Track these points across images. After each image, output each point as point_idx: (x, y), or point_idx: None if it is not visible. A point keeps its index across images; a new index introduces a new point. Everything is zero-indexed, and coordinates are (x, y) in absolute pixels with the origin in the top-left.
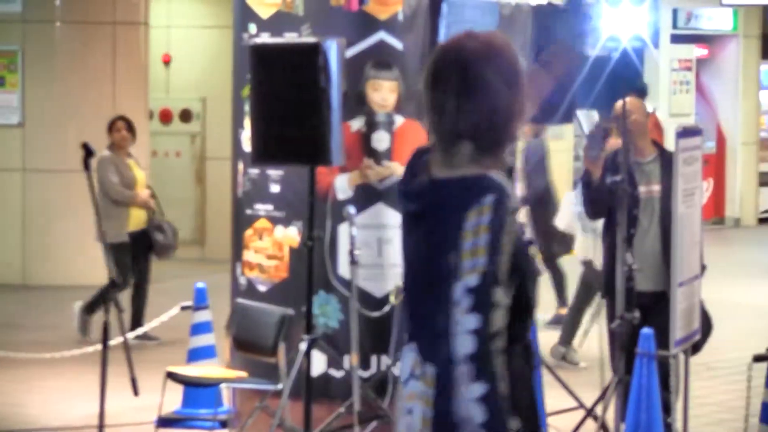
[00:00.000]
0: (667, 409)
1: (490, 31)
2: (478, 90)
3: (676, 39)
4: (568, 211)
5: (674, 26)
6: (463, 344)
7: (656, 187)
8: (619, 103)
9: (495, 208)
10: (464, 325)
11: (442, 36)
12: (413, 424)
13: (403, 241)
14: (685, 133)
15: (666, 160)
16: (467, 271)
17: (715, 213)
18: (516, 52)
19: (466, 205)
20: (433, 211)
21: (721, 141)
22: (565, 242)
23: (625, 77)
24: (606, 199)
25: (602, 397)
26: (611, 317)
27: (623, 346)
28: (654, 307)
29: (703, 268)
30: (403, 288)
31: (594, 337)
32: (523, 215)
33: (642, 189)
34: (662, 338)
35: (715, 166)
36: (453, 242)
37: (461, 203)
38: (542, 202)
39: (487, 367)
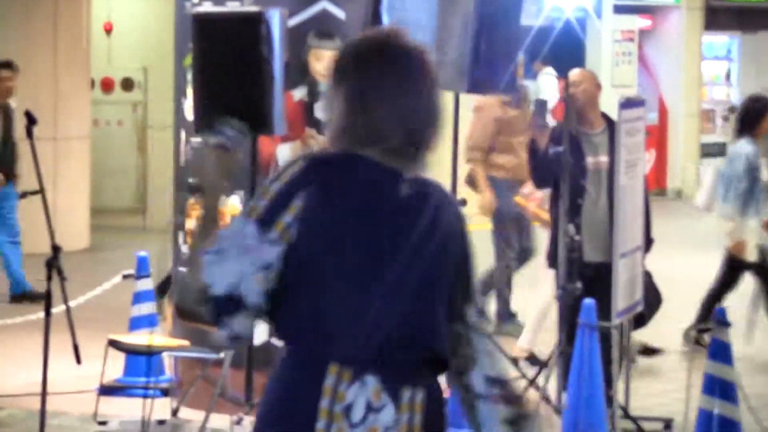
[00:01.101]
0: (608, 380)
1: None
2: (428, 87)
3: (619, 10)
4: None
5: None
6: (486, 370)
7: (604, 159)
8: (570, 73)
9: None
10: (483, 347)
11: (385, 6)
12: None
13: (339, 249)
14: (628, 104)
15: (614, 132)
16: (475, 293)
17: (657, 185)
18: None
19: (463, 219)
20: (428, 213)
21: (663, 112)
22: None
23: (567, 48)
24: (551, 168)
25: (543, 368)
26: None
27: (565, 317)
28: (602, 278)
29: (652, 241)
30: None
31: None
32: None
33: (590, 160)
34: (609, 309)
35: (657, 137)
36: (460, 250)
37: (458, 216)
38: None
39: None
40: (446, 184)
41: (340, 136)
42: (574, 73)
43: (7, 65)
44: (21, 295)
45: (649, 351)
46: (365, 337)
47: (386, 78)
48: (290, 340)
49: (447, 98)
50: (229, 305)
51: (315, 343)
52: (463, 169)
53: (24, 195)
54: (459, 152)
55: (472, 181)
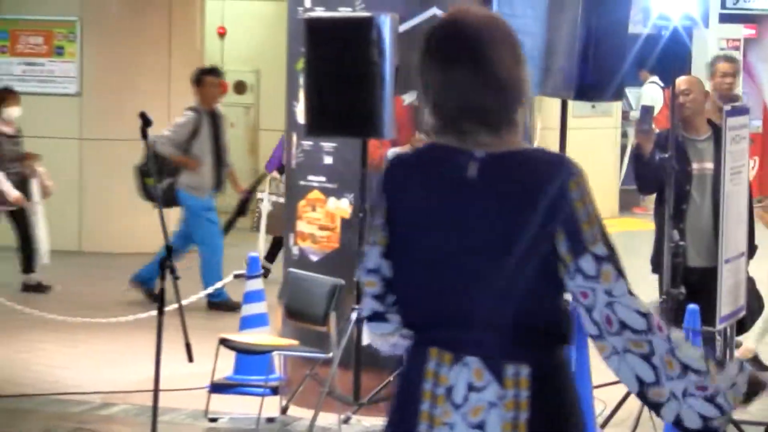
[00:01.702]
0: None
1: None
2: (494, 63)
3: (724, 18)
4: None
5: (722, 6)
6: (634, 305)
7: (709, 165)
8: (678, 80)
9: (584, 178)
10: (621, 289)
11: (494, 12)
12: None
13: (423, 230)
14: (733, 111)
15: (719, 139)
16: (590, 242)
17: (760, 191)
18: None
19: (560, 176)
20: (501, 190)
21: (767, 120)
22: None
23: (673, 56)
24: (656, 174)
25: None
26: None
27: (668, 322)
28: (705, 283)
29: (755, 248)
30: (428, 293)
31: None
32: None
33: (695, 166)
34: (712, 314)
35: (761, 144)
36: (557, 215)
37: (552, 174)
38: None
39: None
40: None
41: (429, 128)
42: (683, 81)
43: (213, 71)
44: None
45: (761, 365)
46: (456, 321)
47: (435, 58)
48: (408, 329)
49: (554, 104)
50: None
51: (418, 329)
52: None
53: (249, 192)
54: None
55: None
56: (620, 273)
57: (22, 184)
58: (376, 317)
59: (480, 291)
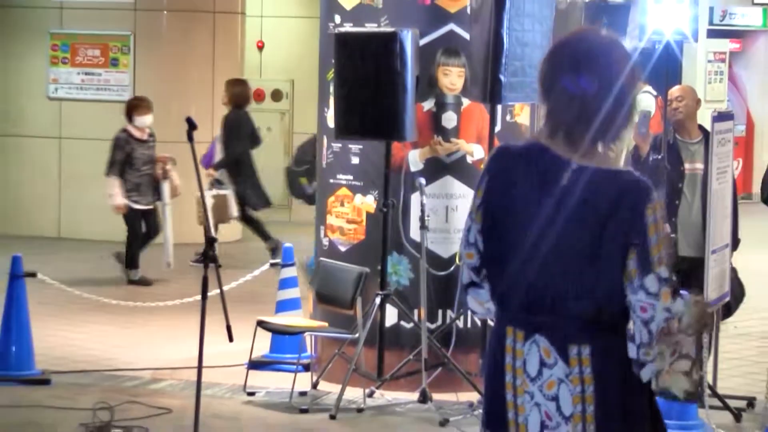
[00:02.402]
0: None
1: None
2: (615, 81)
3: (712, 34)
4: None
5: (710, 22)
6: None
7: (699, 165)
8: (673, 89)
9: (659, 205)
10: (677, 307)
11: (505, 27)
12: (563, 407)
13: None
14: (720, 117)
15: (709, 142)
16: (656, 264)
17: (744, 189)
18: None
19: (640, 201)
20: (589, 200)
21: (750, 125)
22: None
23: (665, 67)
24: (651, 173)
25: None
26: None
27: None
28: (694, 272)
29: (739, 241)
30: (517, 274)
31: None
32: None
33: (687, 166)
34: None
35: (745, 147)
36: (633, 234)
37: (634, 198)
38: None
39: None
40: None
41: (539, 131)
42: (677, 89)
43: None
44: None
45: None
46: (530, 306)
47: (563, 69)
48: (493, 302)
49: None
50: (463, 288)
51: (499, 308)
52: None
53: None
54: None
55: None
56: (675, 293)
57: (154, 185)
58: (473, 285)
59: (553, 284)
